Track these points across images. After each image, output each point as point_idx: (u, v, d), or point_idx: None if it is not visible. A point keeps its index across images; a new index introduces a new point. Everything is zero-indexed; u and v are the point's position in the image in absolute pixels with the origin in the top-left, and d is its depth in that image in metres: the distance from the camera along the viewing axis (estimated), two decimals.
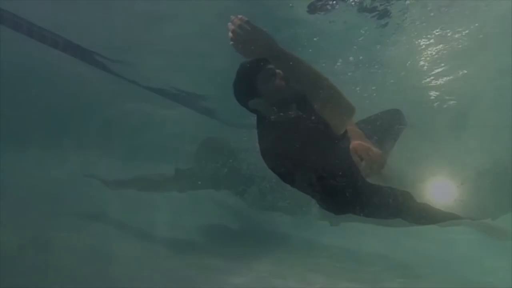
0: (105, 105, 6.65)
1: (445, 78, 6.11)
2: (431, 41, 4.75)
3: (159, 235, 7.72)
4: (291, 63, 1.61)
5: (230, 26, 1.55)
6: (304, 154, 1.74)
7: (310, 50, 4.96)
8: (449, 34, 4.52)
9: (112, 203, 6.74)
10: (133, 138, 7.57)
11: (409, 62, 5.51)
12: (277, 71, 1.75)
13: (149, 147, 8.03)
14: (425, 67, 5.66)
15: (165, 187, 8.38)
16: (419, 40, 4.72)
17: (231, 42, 1.58)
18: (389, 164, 2.79)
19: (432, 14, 4.13)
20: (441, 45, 4.86)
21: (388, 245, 8.87)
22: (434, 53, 5.11)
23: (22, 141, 5.02)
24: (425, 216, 2.41)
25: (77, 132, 6.04)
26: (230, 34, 1.56)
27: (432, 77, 6.05)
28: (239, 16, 1.54)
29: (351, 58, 5.22)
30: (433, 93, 6.89)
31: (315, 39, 4.72)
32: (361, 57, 5.35)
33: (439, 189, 6.42)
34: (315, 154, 1.75)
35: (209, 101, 8.54)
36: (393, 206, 2.20)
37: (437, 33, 4.55)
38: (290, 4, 3.99)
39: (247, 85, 1.76)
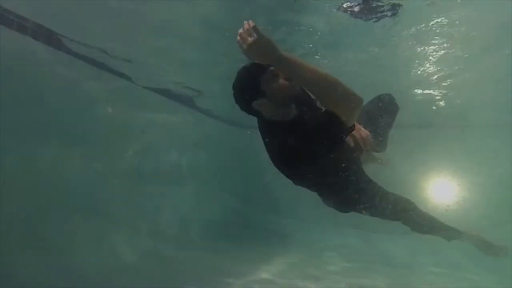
0: (107, 104, 6.66)
1: (448, 80, 6.11)
2: (436, 42, 4.76)
3: (163, 231, 7.77)
4: (292, 68, 1.66)
5: (240, 30, 1.62)
6: (312, 152, 1.76)
7: (311, 45, 4.97)
8: (455, 35, 4.52)
9: (115, 198, 6.76)
10: (136, 141, 7.58)
11: (413, 62, 5.51)
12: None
13: (153, 148, 8.04)
14: (430, 68, 5.66)
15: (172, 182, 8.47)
16: (424, 41, 4.71)
17: (237, 44, 1.64)
18: (388, 148, 2.85)
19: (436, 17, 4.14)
20: (445, 46, 4.87)
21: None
22: (438, 54, 5.11)
23: (23, 138, 5.02)
24: (426, 225, 2.45)
25: (80, 131, 6.04)
26: (238, 37, 1.62)
27: (436, 78, 6.05)
28: (249, 21, 1.59)
29: (368, 53, 5.22)
30: (436, 94, 6.89)
31: (316, 37, 4.72)
32: (365, 56, 5.36)
33: (440, 189, 6.45)
34: (323, 151, 1.77)
35: (211, 101, 8.57)
36: (393, 208, 2.25)
37: (441, 35, 4.56)
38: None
39: (251, 86, 1.77)
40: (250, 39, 1.57)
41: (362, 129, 2.17)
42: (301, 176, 1.99)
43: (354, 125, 1.79)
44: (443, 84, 6.30)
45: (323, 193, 2.24)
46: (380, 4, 3.87)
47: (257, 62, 1.73)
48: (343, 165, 2.04)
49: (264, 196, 11.09)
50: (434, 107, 7.71)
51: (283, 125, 1.85)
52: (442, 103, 7.41)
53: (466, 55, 5.16)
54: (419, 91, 6.80)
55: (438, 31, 4.40)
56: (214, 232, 9.09)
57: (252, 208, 10.89)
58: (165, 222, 8.01)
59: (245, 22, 1.61)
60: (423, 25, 4.29)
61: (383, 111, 2.61)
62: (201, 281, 5.68)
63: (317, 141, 1.72)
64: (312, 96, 1.97)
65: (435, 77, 5.99)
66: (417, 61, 5.43)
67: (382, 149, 2.75)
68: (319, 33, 4.56)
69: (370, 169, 2.42)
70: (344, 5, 3.93)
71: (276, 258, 7.61)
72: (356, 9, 3.97)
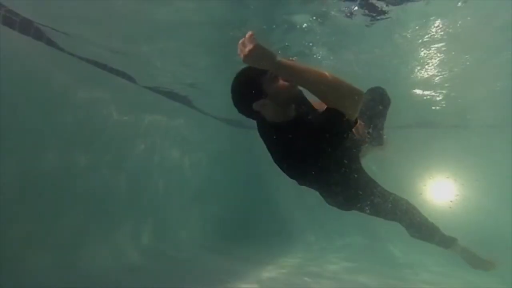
0: (110, 105, 6.69)
1: (450, 81, 6.12)
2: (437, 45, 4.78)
3: (167, 231, 7.81)
4: (290, 73, 1.71)
5: (241, 39, 1.67)
6: (316, 150, 1.80)
7: (311, 44, 4.98)
8: (456, 36, 4.53)
9: (119, 198, 6.83)
10: (140, 141, 7.66)
11: (415, 63, 5.52)
12: None
13: (157, 148, 8.11)
14: (432, 69, 5.66)
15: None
16: (426, 41, 4.71)
17: (238, 53, 1.69)
18: (387, 140, 2.88)
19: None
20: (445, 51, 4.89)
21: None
22: (440, 55, 5.12)
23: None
24: (424, 227, 2.48)
25: (84, 132, 6.09)
26: (238, 46, 1.67)
27: (437, 79, 6.06)
28: (248, 32, 1.65)
29: (370, 53, 5.24)
30: (437, 94, 6.89)
31: (317, 37, 4.73)
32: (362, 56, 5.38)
33: (441, 188, 6.45)
34: (327, 148, 1.80)
35: (214, 102, 8.56)
36: (393, 207, 2.28)
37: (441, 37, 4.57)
38: None
39: (252, 87, 1.79)
40: (247, 49, 1.61)
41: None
42: (305, 175, 2.01)
43: (357, 119, 1.81)
44: (445, 84, 6.31)
45: (325, 192, 2.27)
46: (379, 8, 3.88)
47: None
48: (345, 161, 2.08)
49: (267, 196, 11.10)
50: (436, 107, 7.71)
51: (285, 125, 1.87)
52: (443, 103, 7.42)
53: (467, 56, 5.18)
54: (421, 91, 6.80)
55: (439, 32, 4.40)
56: (216, 233, 9.12)
57: (256, 209, 10.90)
58: (169, 222, 8.05)
59: (247, 31, 1.66)
60: (425, 26, 4.30)
61: (378, 104, 2.64)
62: (203, 281, 5.69)
63: (321, 138, 1.75)
64: (308, 98, 1.99)
65: (437, 77, 5.99)
66: (418, 62, 5.43)
67: (381, 142, 2.79)
68: (319, 33, 4.58)
69: (370, 169, 2.45)
70: (343, 8, 3.94)
71: (279, 258, 7.63)
72: (355, 12, 3.99)
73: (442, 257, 7.36)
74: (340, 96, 1.69)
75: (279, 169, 2.00)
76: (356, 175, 2.20)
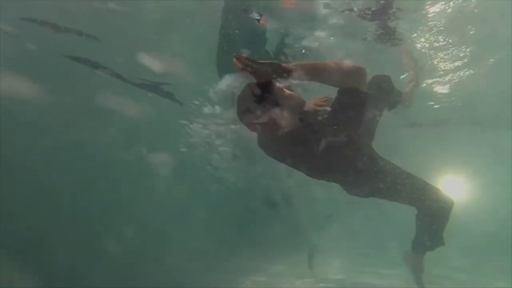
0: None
1: (460, 79, 6.10)
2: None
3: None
4: (303, 71, 1.77)
5: (238, 66, 1.65)
6: (343, 137, 1.93)
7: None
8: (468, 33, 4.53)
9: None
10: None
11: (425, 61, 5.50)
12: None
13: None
14: (442, 67, 5.65)
15: None
16: (436, 39, 4.72)
17: (242, 76, 1.71)
18: None
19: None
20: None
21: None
22: (449, 52, 5.13)
23: None
24: (439, 211, 2.51)
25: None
26: (242, 75, 1.69)
27: (447, 76, 6.04)
28: (242, 57, 1.63)
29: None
30: (447, 92, 6.84)
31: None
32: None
33: (451, 186, 6.42)
34: (351, 131, 1.95)
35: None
36: (410, 191, 2.33)
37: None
38: None
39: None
40: (253, 72, 1.64)
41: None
42: (336, 169, 2.13)
43: (368, 93, 1.93)
44: (453, 82, 6.27)
45: (346, 181, 2.35)
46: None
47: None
48: (364, 142, 2.25)
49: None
50: (448, 106, 7.63)
51: (298, 131, 1.93)
52: (453, 100, 7.34)
53: (479, 53, 5.17)
54: (431, 90, 6.76)
55: (450, 29, 4.40)
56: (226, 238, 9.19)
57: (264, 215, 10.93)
58: (170, 231, 8.15)
59: (236, 57, 1.64)
60: (434, 23, 4.32)
61: (381, 88, 2.79)
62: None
63: (342, 122, 1.89)
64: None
65: (447, 76, 5.99)
66: (429, 60, 5.42)
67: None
68: (332, 38, 4.63)
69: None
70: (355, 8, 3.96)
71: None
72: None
73: (447, 261, 7.40)
74: (348, 76, 1.82)
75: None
76: (376, 156, 2.36)
